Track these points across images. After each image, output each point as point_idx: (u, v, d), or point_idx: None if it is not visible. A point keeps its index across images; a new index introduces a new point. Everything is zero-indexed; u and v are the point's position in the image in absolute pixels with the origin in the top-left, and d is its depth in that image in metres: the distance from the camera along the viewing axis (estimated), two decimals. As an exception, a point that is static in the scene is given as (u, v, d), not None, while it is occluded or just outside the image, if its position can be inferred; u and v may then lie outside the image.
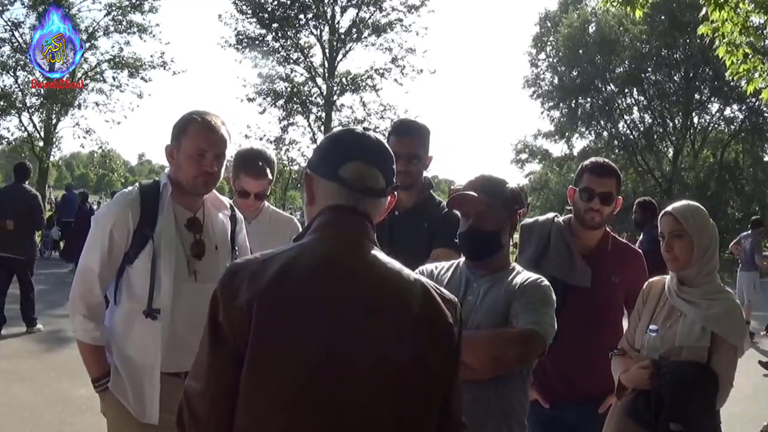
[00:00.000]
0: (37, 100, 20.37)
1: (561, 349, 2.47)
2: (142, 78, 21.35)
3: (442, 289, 1.33)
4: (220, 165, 2.15)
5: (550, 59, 31.14)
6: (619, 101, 29.94)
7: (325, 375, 1.16)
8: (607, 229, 2.56)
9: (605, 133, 30.76)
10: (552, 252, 2.54)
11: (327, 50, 22.24)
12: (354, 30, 21.98)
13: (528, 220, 2.77)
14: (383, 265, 1.27)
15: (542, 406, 2.56)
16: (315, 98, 22.10)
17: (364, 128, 1.39)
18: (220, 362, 1.20)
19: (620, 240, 2.76)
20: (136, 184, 2.22)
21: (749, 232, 10.18)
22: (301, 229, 1.33)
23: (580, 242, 2.56)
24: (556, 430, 2.59)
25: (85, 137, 20.98)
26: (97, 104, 21.16)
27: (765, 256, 10.01)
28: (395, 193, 1.40)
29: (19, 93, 19.92)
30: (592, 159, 2.67)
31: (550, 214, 2.71)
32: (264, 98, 21.71)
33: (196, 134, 2.09)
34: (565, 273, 2.49)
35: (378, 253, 1.29)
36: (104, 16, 20.96)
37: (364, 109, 21.95)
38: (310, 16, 21.95)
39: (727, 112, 29.39)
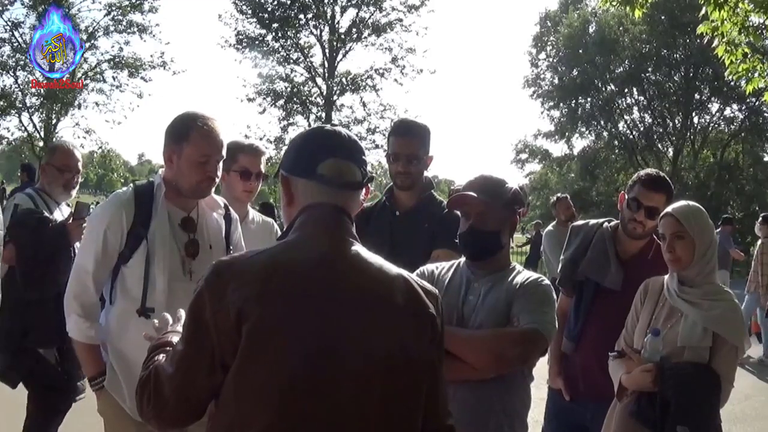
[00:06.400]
0: (37, 100, 20.36)
1: (587, 347, 2.55)
2: (142, 78, 21.33)
3: (424, 282, 1.37)
4: (219, 169, 2.18)
5: (550, 59, 31.10)
6: (619, 101, 29.90)
7: (313, 370, 1.18)
8: (654, 237, 2.57)
9: (605, 133, 30.72)
10: (590, 253, 2.61)
11: (327, 50, 22.21)
12: (354, 30, 21.95)
13: (579, 222, 2.87)
14: (365, 260, 1.30)
15: (563, 397, 2.67)
16: (315, 98, 22.09)
17: (331, 124, 1.42)
18: (195, 358, 1.22)
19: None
20: (131, 184, 2.23)
21: (719, 230, 10.15)
22: (280, 233, 1.35)
23: (622, 247, 2.61)
24: (569, 423, 2.68)
25: (85, 137, 20.97)
26: (97, 104, 21.15)
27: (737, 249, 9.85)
28: (369, 184, 1.43)
29: (19, 93, 19.91)
30: (648, 171, 2.68)
31: (602, 219, 2.77)
32: (264, 98, 21.70)
33: (200, 140, 2.10)
34: (598, 274, 2.57)
35: (359, 249, 1.32)
36: (104, 16, 20.94)
37: (364, 109, 21.94)
38: (310, 16, 21.92)
39: (727, 112, 29.36)
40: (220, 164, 2.18)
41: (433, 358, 1.31)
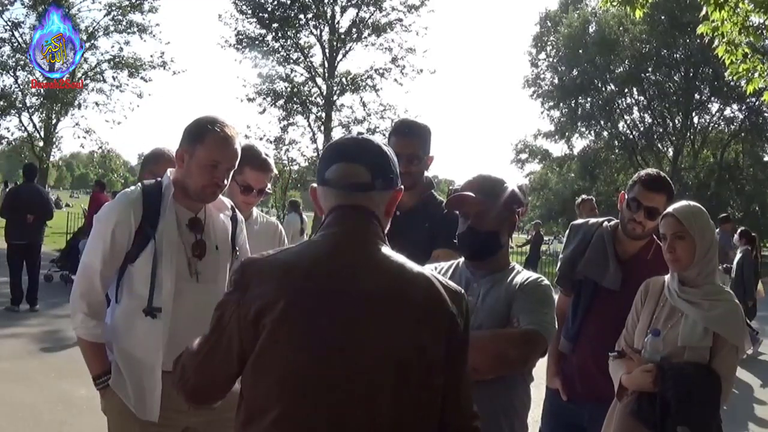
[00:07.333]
0: (37, 100, 20.42)
1: (585, 347, 2.54)
2: (142, 78, 21.43)
3: (448, 281, 1.38)
4: (228, 177, 2.18)
5: (550, 59, 31.14)
6: (619, 101, 29.91)
7: (328, 364, 1.23)
8: (654, 237, 2.56)
9: (605, 133, 30.74)
10: (589, 253, 2.60)
11: (327, 50, 22.22)
12: (354, 30, 21.95)
13: (579, 221, 2.86)
14: (386, 258, 1.34)
15: (560, 397, 2.65)
16: (315, 98, 22.08)
17: (358, 133, 1.45)
18: (214, 347, 1.33)
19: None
20: (139, 183, 2.22)
21: (717, 230, 10.10)
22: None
23: (621, 247, 2.60)
24: (566, 423, 2.67)
25: (85, 137, 21.03)
26: (97, 104, 21.25)
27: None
28: (400, 186, 1.46)
29: (19, 93, 19.96)
30: (648, 171, 2.66)
31: (602, 218, 2.76)
32: (264, 98, 21.68)
33: (213, 145, 2.09)
34: (597, 274, 2.56)
35: (381, 247, 1.35)
36: (104, 16, 21.04)
37: (364, 109, 21.93)
38: (310, 16, 21.92)
39: (727, 112, 29.40)
40: (230, 173, 2.17)
41: (452, 358, 1.32)
